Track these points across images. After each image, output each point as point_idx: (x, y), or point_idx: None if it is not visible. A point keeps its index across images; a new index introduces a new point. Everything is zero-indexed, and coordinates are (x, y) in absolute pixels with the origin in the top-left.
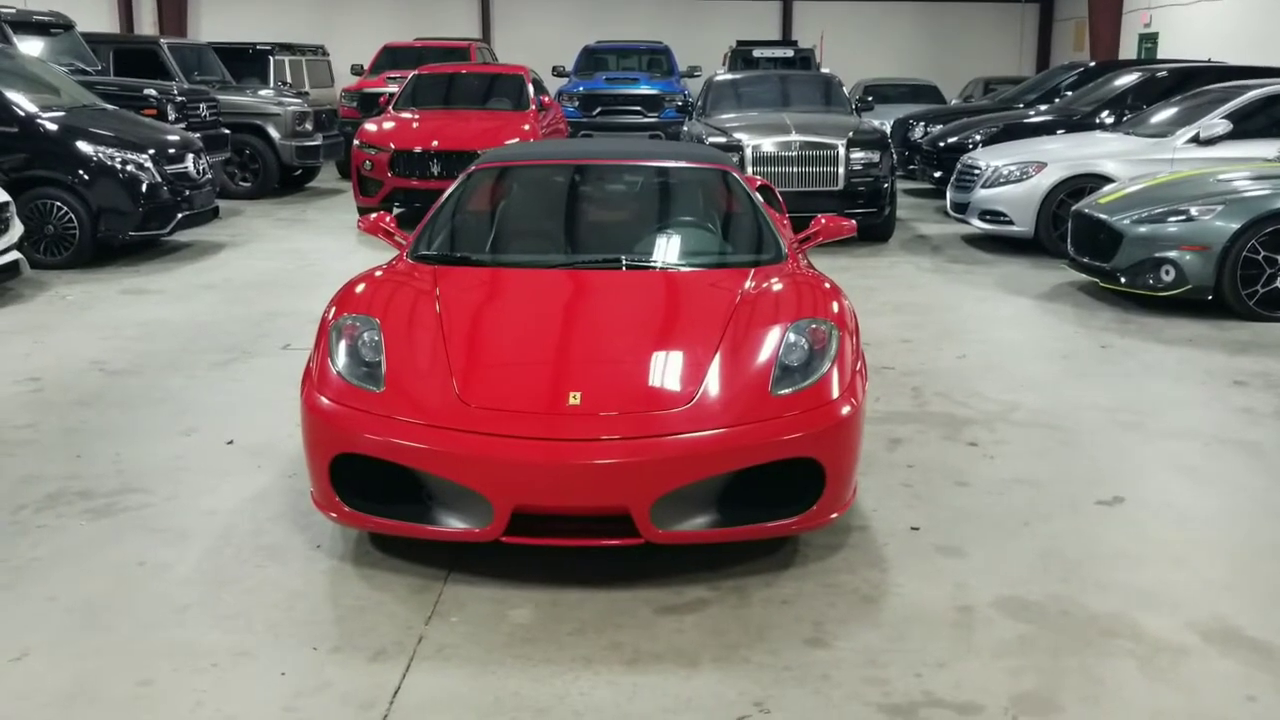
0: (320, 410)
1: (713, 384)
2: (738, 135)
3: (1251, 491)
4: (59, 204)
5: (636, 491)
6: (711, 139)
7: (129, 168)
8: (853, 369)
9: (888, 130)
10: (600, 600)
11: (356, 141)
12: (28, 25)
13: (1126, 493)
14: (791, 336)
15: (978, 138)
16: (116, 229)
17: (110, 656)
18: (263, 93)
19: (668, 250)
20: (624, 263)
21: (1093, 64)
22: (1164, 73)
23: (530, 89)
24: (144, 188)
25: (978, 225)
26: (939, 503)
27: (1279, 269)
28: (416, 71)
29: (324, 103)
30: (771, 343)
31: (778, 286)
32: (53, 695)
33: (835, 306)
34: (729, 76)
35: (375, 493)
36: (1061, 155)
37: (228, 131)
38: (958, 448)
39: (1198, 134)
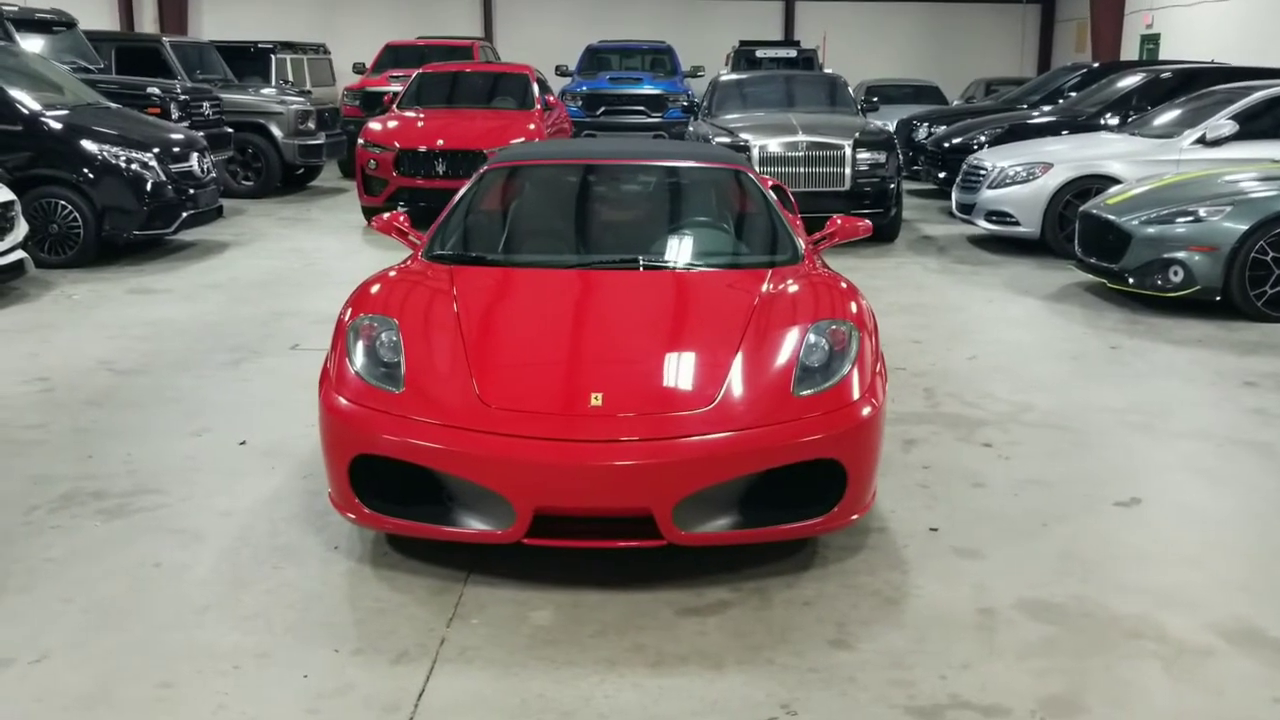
0: (339, 411)
1: (734, 385)
2: (744, 136)
3: (1266, 492)
4: (63, 203)
5: (659, 493)
6: (718, 139)
7: (134, 166)
8: (873, 370)
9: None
10: (621, 602)
11: (361, 140)
12: (30, 23)
13: (1143, 494)
14: (812, 337)
15: (983, 139)
16: (121, 228)
17: (129, 658)
18: (265, 91)
19: (685, 250)
20: (641, 263)
21: (1096, 65)
22: (1168, 74)
23: (535, 88)
24: (149, 187)
25: (984, 226)
26: (956, 504)
27: None
28: (421, 70)
29: (326, 101)
30: (792, 344)
31: (796, 287)
32: (73, 697)
33: (854, 307)
34: (734, 77)
35: (394, 494)
36: (1068, 156)
37: (231, 130)
38: (972, 449)
39: (1204, 135)
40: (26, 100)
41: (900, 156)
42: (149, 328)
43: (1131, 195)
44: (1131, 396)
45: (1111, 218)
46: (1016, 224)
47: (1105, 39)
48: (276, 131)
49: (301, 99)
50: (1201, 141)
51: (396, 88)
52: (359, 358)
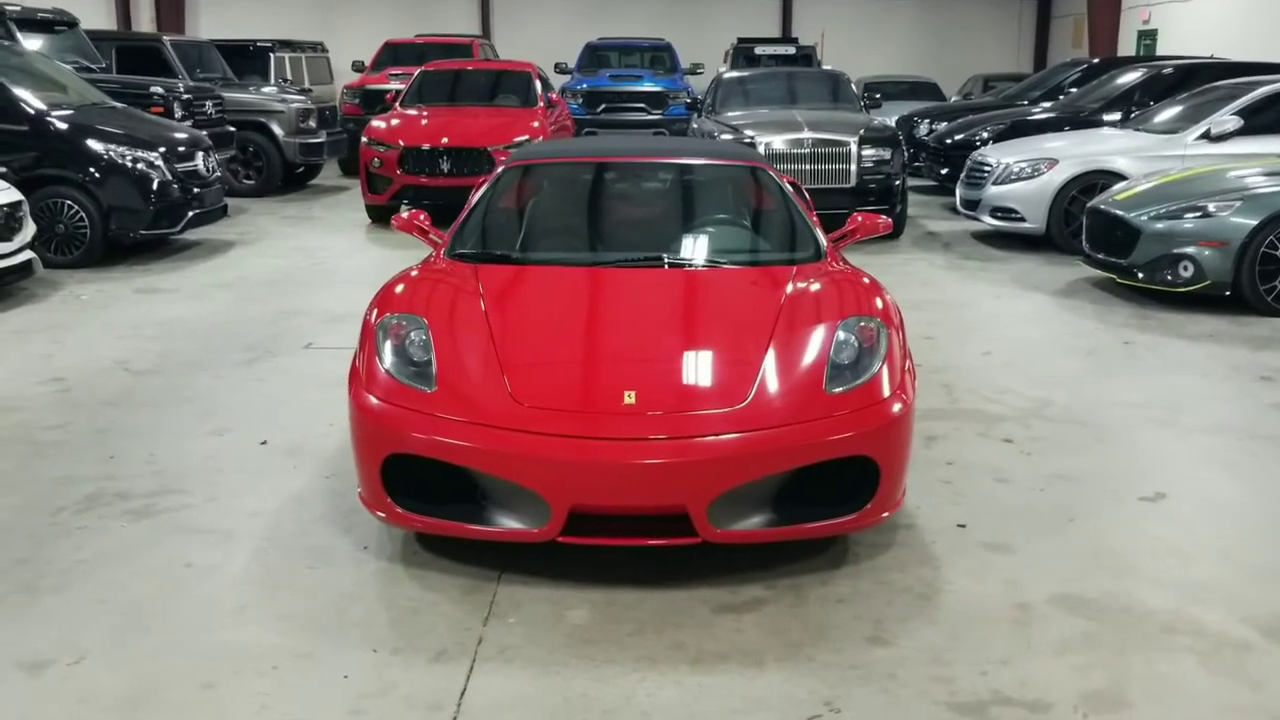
0: (372, 411)
1: (766, 383)
2: (749, 132)
3: None
4: (69, 203)
5: (695, 490)
6: (723, 136)
7: (139, 166)
8: (902, 367)
9: None
10: (656, 600)
11: (365, 139)
12: (32, 23)
13: (1168, 489)
14: (841, 334)
15: (985, 135)
16: (128, 227)
17: (169, 659)
18: (266, 90)
19: (709, 248)
20: (665, 261)
21: (1096, 61)
22: (1169, 69)
23: (538, 85)
24: (155, 186)
25: (989, 222)
26: (981, 499)
27: None
28: (423, 68)
29: (324, 100)
30: (822, 341)
31: (821, 284)
32: (114, 699)
33: (879, 303)
34: (738, 74)
35: (425, 493)
36: (1073, 152)
37: (233, 129)
38: (993, 444)
39: (1209, 130)
40: (32, 100)
41: (905, 153)
42: (160, 327)
43: (1139, 191)
44: (1148, 391)
45: (1120, 213)
46: (1022, 220)
47: (1102, 34)
48: (278, 130)
49: (302, 97)
50: (1206, 137)
51: (396, 86)
52: (389, 357)
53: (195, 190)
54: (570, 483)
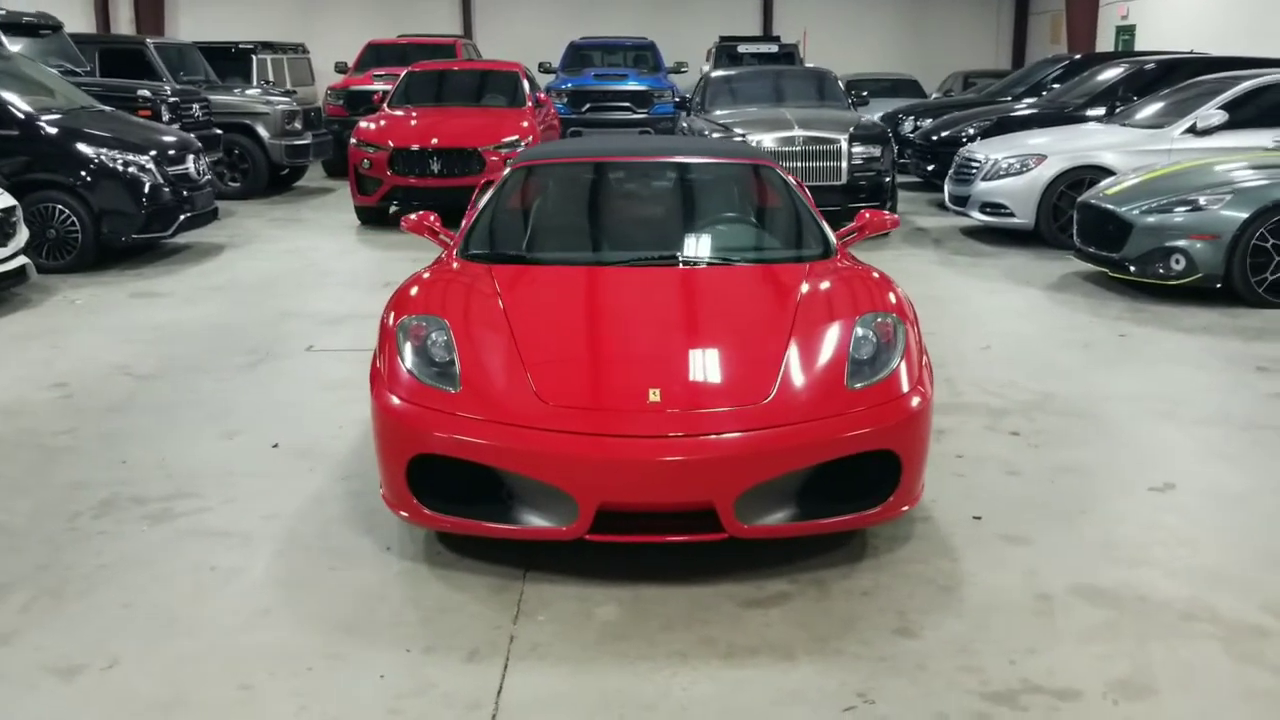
0: (397, 412)
1: (788, 379)
2: (739, 131)
3: None
4: (61, 207)
5: (723, 486)
6: (713, 135)
7: (131, 169)
8: (919, 362)
9: None
10: (682, 596)
11: (354, 140)
12: (16, 26)
13: (1175, 479)
14: (859, 330)
15: (971, 131)
16: (120, 231)
17: (202, 662)
18: (250, 92)
19: (721, 246)
20: (680, 259)
21: (1078, 57)
22: (1151, 65)
23: (526, 85)
24: (146, 189)
25: (978, 217)
26: (994, 492)
27: None
28: (410, 69)
29: (307, 101)
30: (841, 337)
31: (835, 281)
32: (151, 703)
33: (893, 298)
34: (726, 72)
35: (448, 492)
36: (1061, 147)
37: (220, 132)
38: (1001, 437)
39: (1194, 124)
40: (21, 104)
41: (894, 150)
42: (158, 331)
43: (1130, 185)
44: (1147, 384)
45: (1111, 207)
46: (1011, 215)
47: (1080, 30)
48: (263, 132)
49: (287, 99)
50: (1192, 131)
51: (381, 87)
52: (410, 358)
53: (186, 194)
54: (599, 481)
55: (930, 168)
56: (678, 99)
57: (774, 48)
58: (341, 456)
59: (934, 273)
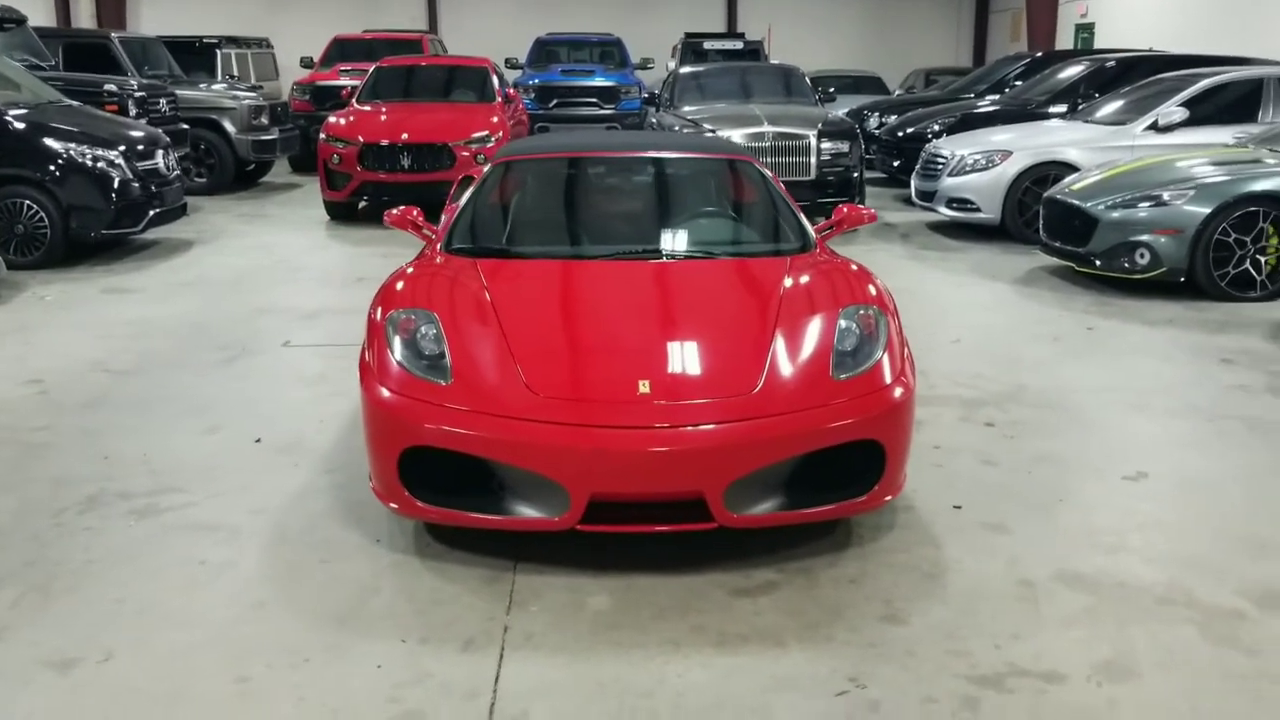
0: (389, 404)
1: (775, 370)
2: (709, 126)
3: (1264, 463)
4: (29, 203)
5: (713, 476)
6: (684, 131)
7: (100, 165)
8: (901, 354)
9: None
10: (673, 585)
11: (323, 135)
12: None
13: (1147, 468)
14: (843, 322)
15: (936, 127)
16: (89, 227)
17: (197, 655)
18: (216, 86)
19: (706, 240)
20: (664, 253)
21: (1039, 55)
22: (1111, 63)
23: (495, 80)
24: (116, 185)
25: (945, 213)
26: (972, 482)
27: (1249, 251)
28: (378, 64)
29: (272, 96)
30: (825, 329)
31: (816, 274)
32: (150, 695)
33: (873, 290)
34: (695, 69)
35: (438, 484)
36: (1025, 144)
37: (187, 127)
38: (976, 429)
39: (1156, 121)
40: None
41: (862, 146)
42: (132, 327)
43: (1094, 181)
44: (1116, 375)
45: (1077, 203)
46: (977, 210)
47: (1040, 28)
48: (230, 127)
49: (254, 94)
50: (1154, 128)
51: (348, 82)
52: (400, 351)
53: (156, 189)
54: (591, 472)
55: (896, 163)
56: (645, 95)
57: (739, 44)
58: (324, 451)
59: (903, 267)
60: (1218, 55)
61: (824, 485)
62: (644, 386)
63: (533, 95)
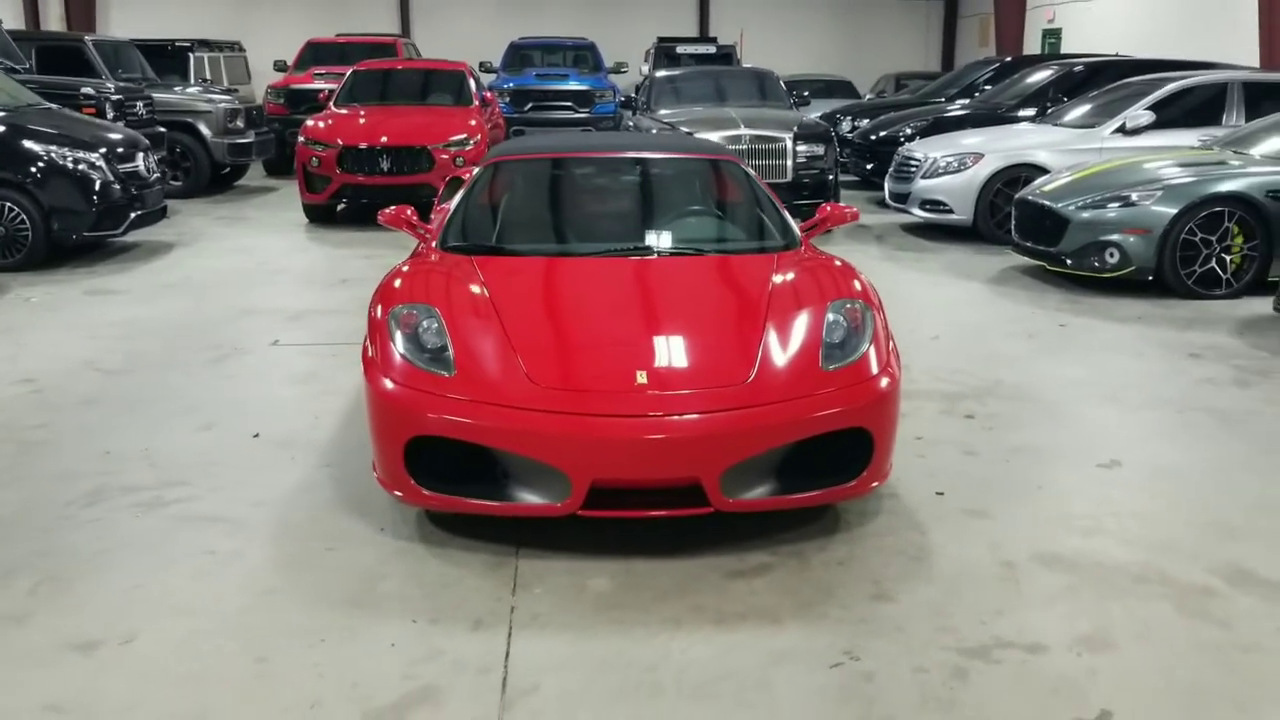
0: (394, 396)
1: (767, 361)
2: (686, 130)
3: (1232, 453)
4: (10, 205)
5: (709, 463)
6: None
7: (80, 167)
8: (887, 346)
9: None
10: (671, 568)
11: (301, 138)
12: None
13: (1120, 457)
14: (831, 316)
15: (909, 131)
16: (70, 229)
17: (216, 638)
18: (191, 90)
19: (696, 238)
20: (655, 250)
21: (1008, 60)
22: (1079, 67)
23: (472, 84)
24: (97, 187)
25: (918, 214)
26: (954, 470)
27: (1215, 250)
28: (355, 68)
29: (245, 100)
30: (814, 322)
31: (803, 270)
32: (175, 676)
33: (858, 285)
34: (670, 72)
35: (441, 473)
36: (997, 146)
37: (164, 130)
38: (956, 420)
39: (1124, 124)
40: None
41: (837, 148)
42: (119, 328)
43: (1065, 183)
44: (1089, 370)
45: (1048, 204)
46: (950, 211)
47: (1008, 34)
48: (205, 130)
49: (229, 97)
50: (1122, 131)
51: (323, 85)
52: (403, 345)
53: (136, 192)
54: (593, 459)
55: (869, 166)
56: (619, 99)
57: (712, 48)
58: (322, 446)
59: (879, 268)
60: (1183, 60)
61: (814, 472)
62: (641, 377)
63: (508, 99)
